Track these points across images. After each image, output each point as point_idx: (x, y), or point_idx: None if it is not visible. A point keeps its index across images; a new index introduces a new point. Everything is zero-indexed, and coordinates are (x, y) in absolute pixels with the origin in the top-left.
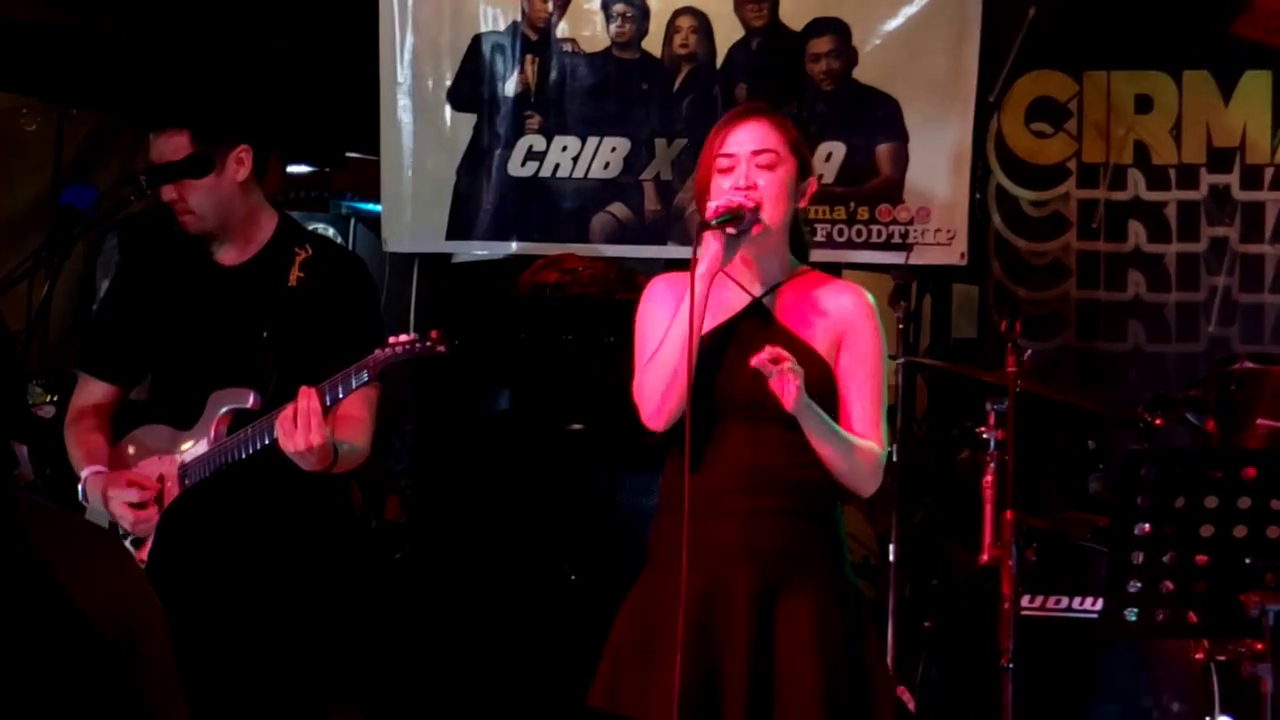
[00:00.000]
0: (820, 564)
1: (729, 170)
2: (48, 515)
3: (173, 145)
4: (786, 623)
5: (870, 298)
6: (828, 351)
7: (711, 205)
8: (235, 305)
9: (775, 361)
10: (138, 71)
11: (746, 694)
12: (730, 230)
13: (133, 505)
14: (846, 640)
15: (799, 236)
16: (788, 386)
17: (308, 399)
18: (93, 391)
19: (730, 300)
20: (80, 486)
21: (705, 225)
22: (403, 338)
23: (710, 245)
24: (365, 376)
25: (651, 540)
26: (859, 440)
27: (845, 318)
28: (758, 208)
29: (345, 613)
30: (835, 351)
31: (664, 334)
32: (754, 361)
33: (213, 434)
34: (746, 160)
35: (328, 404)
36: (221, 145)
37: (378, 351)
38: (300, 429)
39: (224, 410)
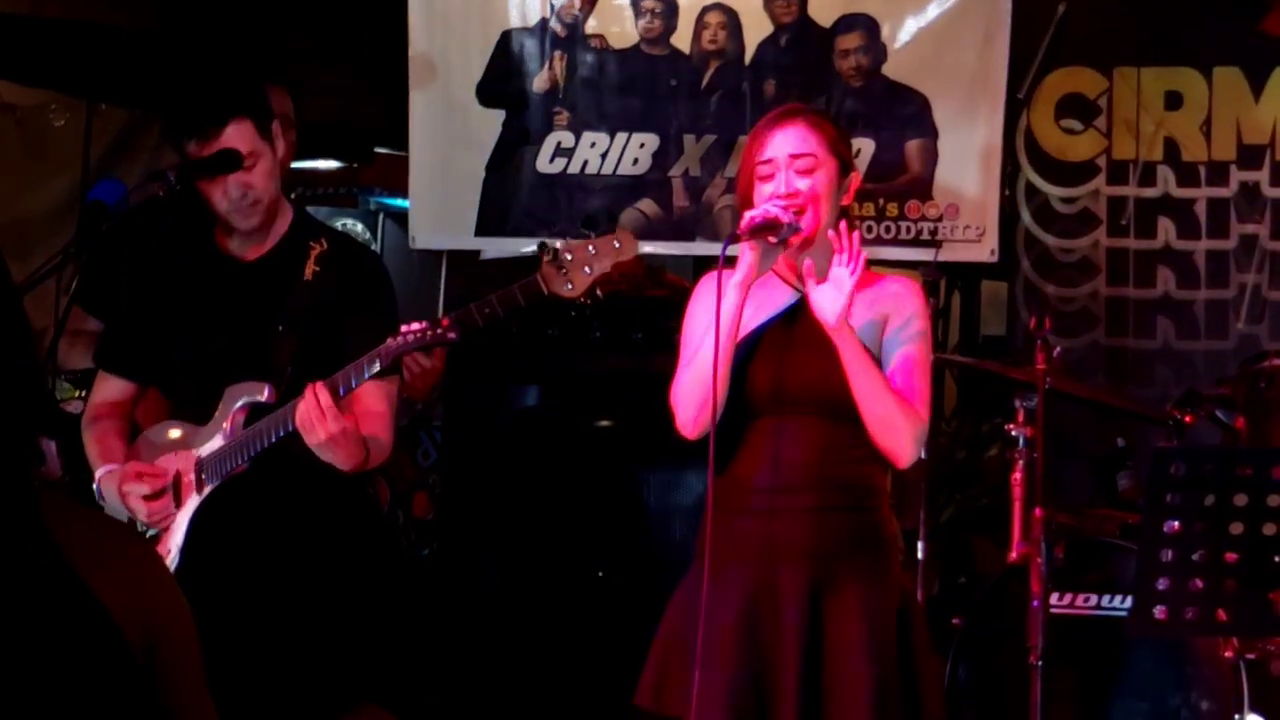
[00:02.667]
0: (870, 562)
1: (769, 177)
2: (73, 512)
3: (239, 135)
4: (836, 622)
5: (915, 282)
6: (876, 343)
7: (747, 216)
8: (251, 300)
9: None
10: (167, 67)
11: (798, 694)
12: (771, 240)
13: (146, 497)
14: (898, 639)
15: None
16: (834, 297)
17: (318, 393)
18: (111, 388)
19: (778, 298)
20: (95, 487)
21: (735, 236)
22: (414, 326)
23: (746, 255)
24: (377, 366)
25: (699, 538)
26: (900, 397)
27: (892, 300)
28: (798, 215)
29: (373, 611)
30: (880, 332)
31: (700, 341)
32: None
33: (228, 428)
34: (785, 166)
35: (340, 394)
36: (270, 128)
37: (389, 340)
38: (317, 420)
39: (239, 404)
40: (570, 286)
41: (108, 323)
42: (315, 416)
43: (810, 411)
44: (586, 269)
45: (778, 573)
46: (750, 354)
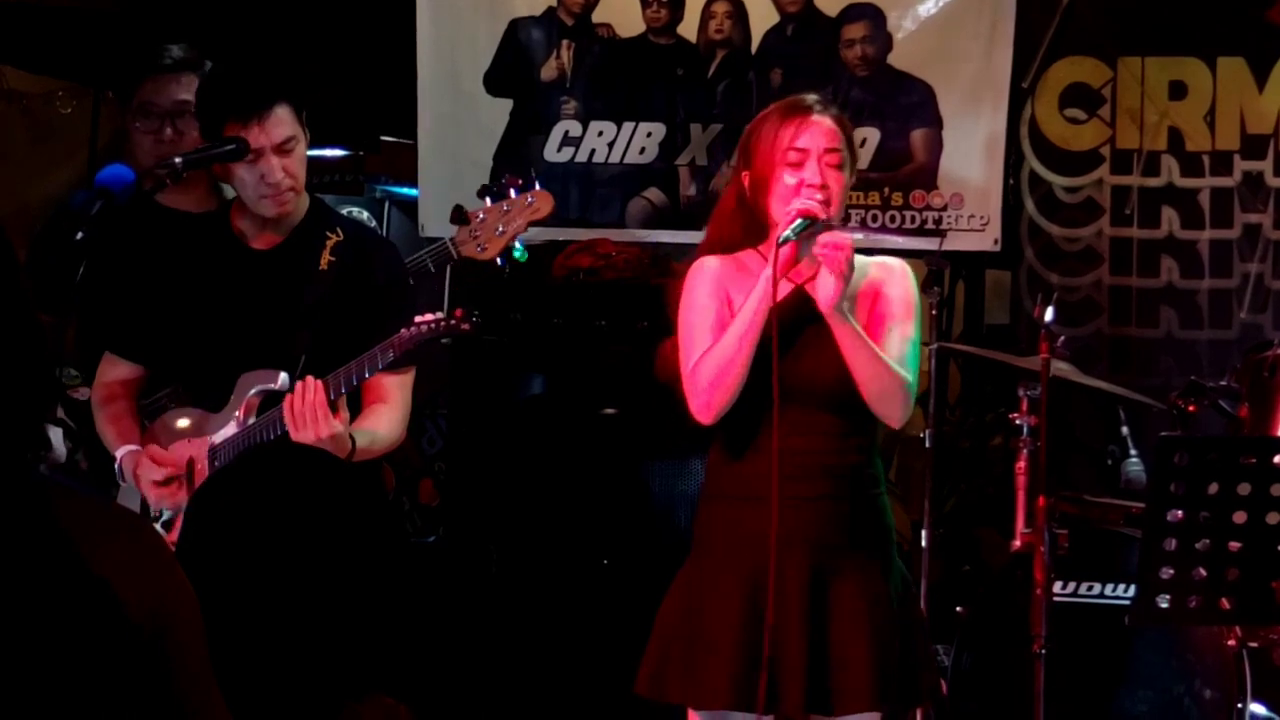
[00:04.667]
0: (869, 549)
1: (799, 165)
2: (78, 499)
3: (280, 120)
4: (839, 606)
5: (905, 264)
6: (867, 325)
7: (791, 209)
8: (266, 289)
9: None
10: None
11: (805, 677)
12: (815, 232)
13: (158, 483)
14: (898, 622)
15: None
16: (829, 282)
17: (313, 392)
18: (119, 371)
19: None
20: (117, 465)
21: (786, 238)
22: (428, 317)
23: (782, 253)
24: (391, 356)
25: (696, 528)
26: (891, 362)
27: (879, 281)
28: (825, 207)
29: (378, 598)
30: (869, 308)
31: (717, 327)
32: (818, 250)
33: (242, 415)
34: (818, 159)
35: (332, 396)
36: (303, 113)
37: (403, 331)
38: (301, 424)
39: (253, 392)
40: (483, 249)
41: (119, 308)
42: (298, 420)
43: (809, 401)
44: (499, 229)
45: (781, 559)
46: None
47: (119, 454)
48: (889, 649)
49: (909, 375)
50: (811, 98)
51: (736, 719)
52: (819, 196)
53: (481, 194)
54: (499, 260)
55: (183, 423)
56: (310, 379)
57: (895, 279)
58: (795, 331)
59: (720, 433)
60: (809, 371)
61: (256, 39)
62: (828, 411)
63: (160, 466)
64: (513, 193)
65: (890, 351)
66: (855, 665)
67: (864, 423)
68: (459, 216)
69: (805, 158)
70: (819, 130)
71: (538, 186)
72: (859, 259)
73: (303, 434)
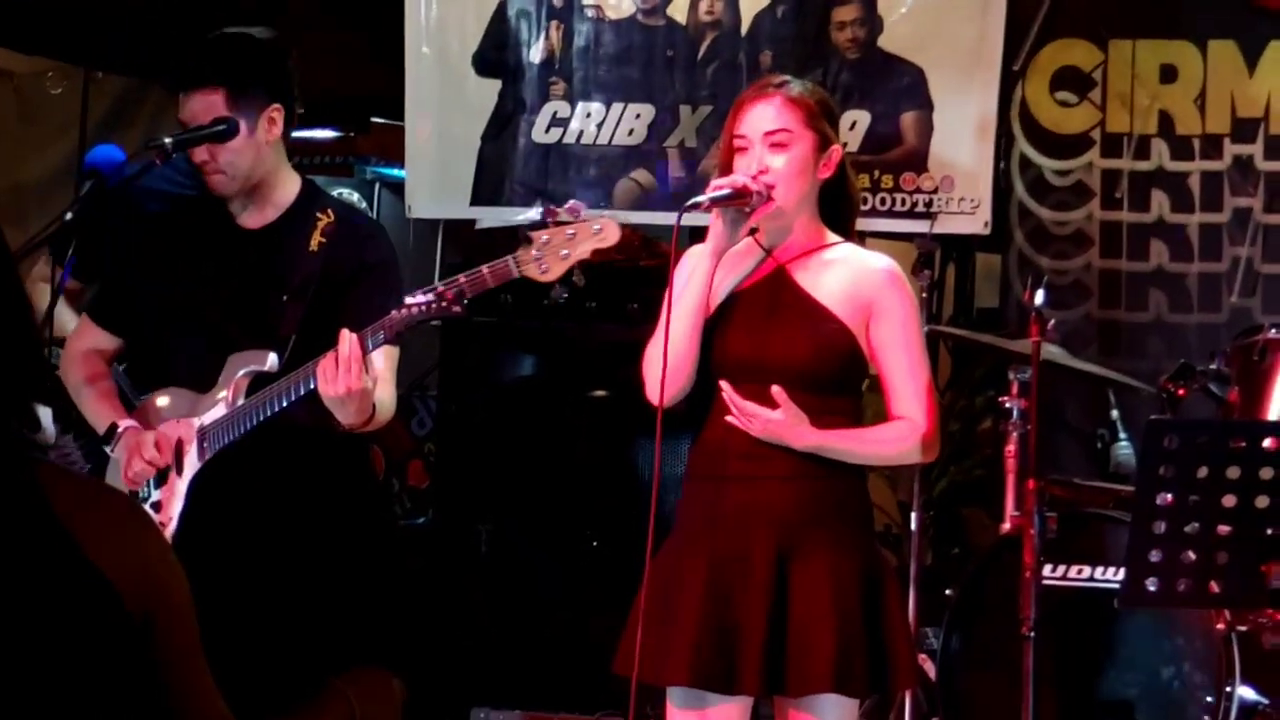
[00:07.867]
0: (837, 527)
1: (743, 151)
2: (69, 479)
3: (205, 104)
4: (802, 585)
5: (898, 268)
6: (856, 323)
7: (711, 184)
8: (256, 269)
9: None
10: (164, 32)
11: (762, 658)
12: (744, 208)
13: (146, 460)
14: (864, 602)
15: (841, 204)
16: (790, 435)
17: (349, 343)
18: (95, 338)
19: (752, 265)
20: (117, 435)
21: (694, 204)
22: (419, 298)
23: (714, 224)
24: (382, 337)
25: (677, 507)
26: (888, 430)
27: (873, 291)
28: (768, 189)
29: (367, 577)
30: (864, 326)
31: (666, 310)
32: (753, 430)
33: (231, 397)
34: (760, 142)
35: (369, 348)
36: (254, 104)
37: (394, 312)
38: (342, 372)
39: (242, 373)
40: (544, 270)
41: (106, 277)
42: (340, 368)
43: (782, 380)
44: (564, 253)
45: (748, 539)
46: (725, 320)
47: (122, 426)
48: (852, 633)
49: (921, 420)
50: (770, 80)
51: (712, 700)
52: (767, 178)
53: (533, 226)
54: (557, 284)
55: (171, 403)
56: (348, 332)
57: (896, 296)
58: (770, 309)
59: (696, 413)
60: (782, 350)
61: (245, 19)
62: (801, 390)
63: (156, 451)
64: (584, 211)
65: (901, 400)
66: (815, 648)
67: (839, 401)
68: (522, 237)
69: (747, 143)
70: (760, 113)
71: (584, 211)
72: (847, 251)
73: (335, 385)
